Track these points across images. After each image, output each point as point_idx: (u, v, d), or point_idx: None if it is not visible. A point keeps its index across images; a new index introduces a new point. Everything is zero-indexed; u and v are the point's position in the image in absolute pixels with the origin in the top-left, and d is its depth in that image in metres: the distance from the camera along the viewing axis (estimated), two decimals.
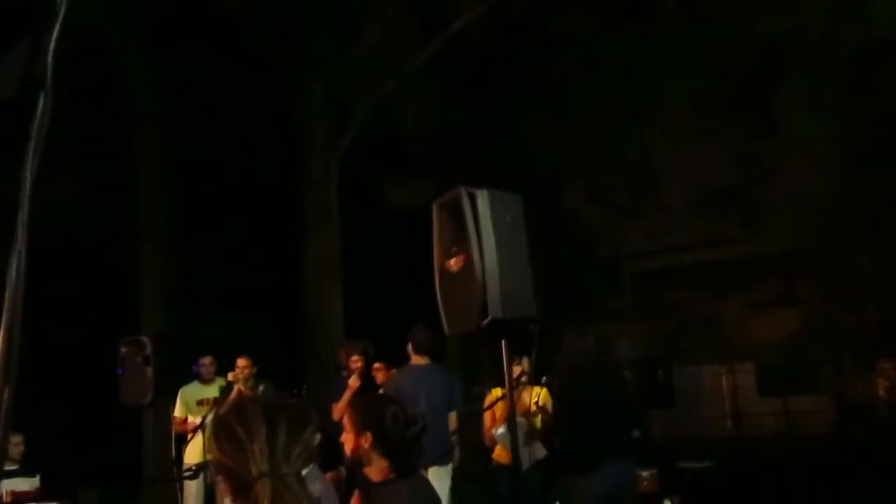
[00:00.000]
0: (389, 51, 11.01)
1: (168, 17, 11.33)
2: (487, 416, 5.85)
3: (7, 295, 0.87)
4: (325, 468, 4.84)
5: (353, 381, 6.16)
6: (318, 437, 5.17)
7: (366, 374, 6.39)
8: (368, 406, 2.79)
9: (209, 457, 5.45)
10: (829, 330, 12.69)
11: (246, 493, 1.49)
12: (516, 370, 5.54)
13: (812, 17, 9.03)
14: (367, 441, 2.54)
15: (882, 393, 13.82)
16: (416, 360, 5.63)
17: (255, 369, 6.55)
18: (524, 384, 5.58)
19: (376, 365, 6.36)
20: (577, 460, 4.83)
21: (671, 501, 6.68)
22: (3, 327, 0.86)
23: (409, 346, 5.61)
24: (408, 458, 2.60)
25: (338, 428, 2.72)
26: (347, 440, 2.60)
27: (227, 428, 1.55)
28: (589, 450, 4.76)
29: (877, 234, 11.43)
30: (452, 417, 5.52)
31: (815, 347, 13.36)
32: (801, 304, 13.46)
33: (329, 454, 4.92)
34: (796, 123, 9.92)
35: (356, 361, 6.38)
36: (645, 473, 6.63)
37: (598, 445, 4.74)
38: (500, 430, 5.61)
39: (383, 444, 2.54)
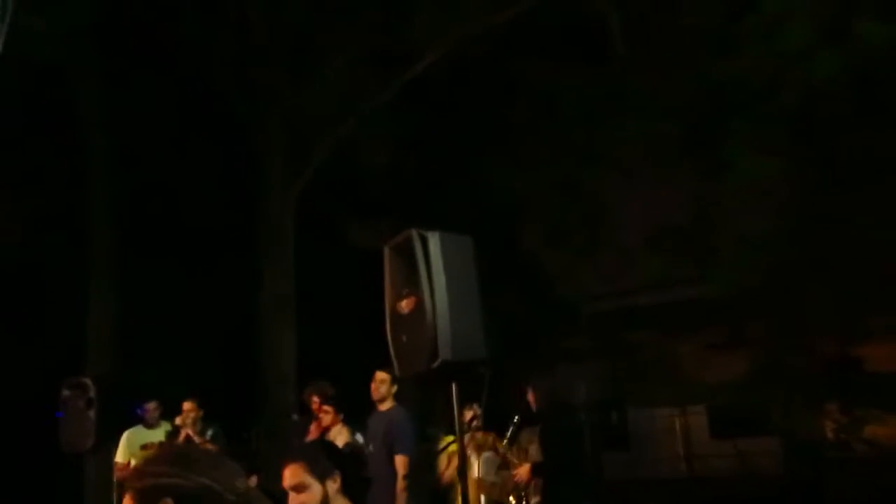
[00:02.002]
0: (348, 90, 11.07)
1: (125, 52, 11.25)
2: (443, 458, 5.78)
3: None
4: None
5: (314, 430, 6.02)
6: (253, 478, 4.96)
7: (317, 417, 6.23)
8: (326, 451, 2.71)
9: None
10: (778, 371, 12.89)
11: None
12: (468, 414, 5.49)
13: (757, 63, 9.36)
14: (335, 483, 2.44)
15: (830, 435, 14.08)
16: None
17: (201, 412, 6.38)
18: (476, 428, 5.53)
19: (325, 408, 6.21)
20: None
21: None
22: None
23: (395, 388, 5.56)
24: (363, 498, 2.54)
25: None
26: (307, 500, 2.44)
27: (185, 454, 1.46)
28: (576, 493, 4.80)
29: (824, 275, 11.71)
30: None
31: (765, 389, 13.53)
32: (752, 346, 13.64)
33: None
34: (745, 164, 10.19)
35: (314, 403, 6.24)
36: None
37: (582, 488, 4.81)
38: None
39: (346, 487, 2.45)
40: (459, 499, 5.53)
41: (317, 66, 11.06)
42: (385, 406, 5.60)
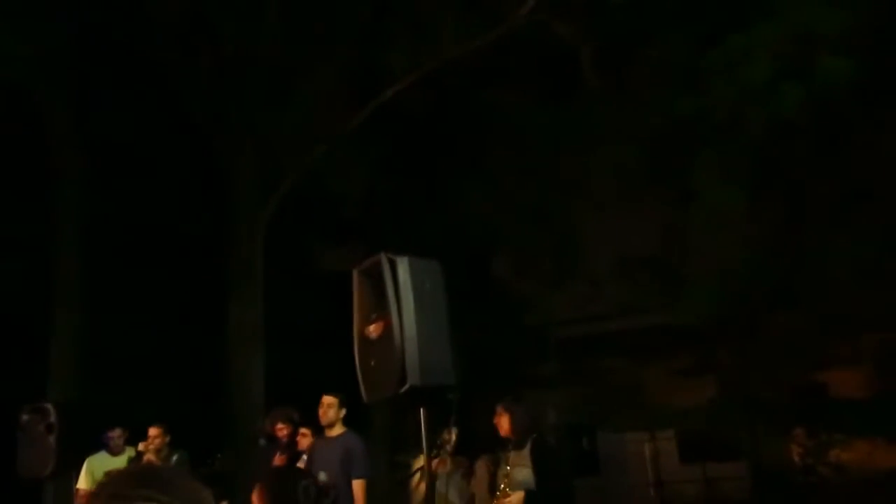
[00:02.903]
0: (321, 114, 11.07)
1: (97, 75, 11.17)
2: (413, 480, 5.73)
3: None
4: None
5: (279, 459, 5.91)
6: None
7: (291, 442, 6.13)
8: (280, 485, 2.73)
9: None
10: (745, 397, 13.04)
11: None
12: (449, 437, 5.41)
13: (721, 98, 9.54)
14: None
15: (797, 459, 14.23)
16: None
17: (167, 438, 6.28)
18: (448, 453, 5.48)
19: (303, 430, 6.10)
20: None
21: None
22: None
23: (344, 412, 5.34)
24: None
25: None
26: None
27: (157, 473, 1.44)
28: None
29: (788, 302, 11.92)
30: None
31: (732, 414, 13.67)
32: (719, 372, 13.80)
33: None
34: (712, 195, 10.36)
35: (282, 429, 6.14)
36: None
37: None
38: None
39: None
40: None
41: (290, 90, 11.07)
42: (335, 431, 5.34)
